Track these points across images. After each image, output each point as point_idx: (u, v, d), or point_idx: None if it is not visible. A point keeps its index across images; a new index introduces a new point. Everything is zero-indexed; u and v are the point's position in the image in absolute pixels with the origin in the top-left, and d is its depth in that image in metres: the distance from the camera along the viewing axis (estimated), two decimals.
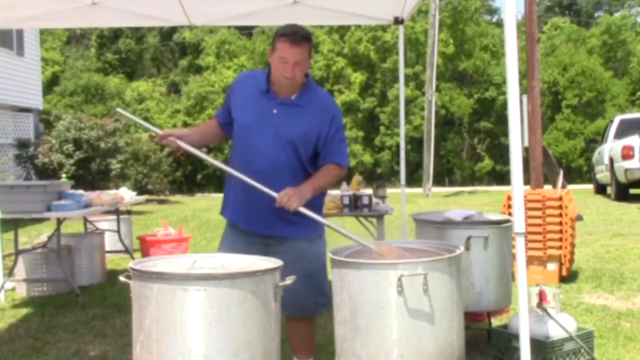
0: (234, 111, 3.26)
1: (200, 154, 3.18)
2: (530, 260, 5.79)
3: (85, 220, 7.39)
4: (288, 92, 3.19)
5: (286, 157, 3.15)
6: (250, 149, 3.16)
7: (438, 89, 25.58)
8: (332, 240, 3.59)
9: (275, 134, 3.14)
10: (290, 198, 3.03)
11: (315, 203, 3.24)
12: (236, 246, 3.09)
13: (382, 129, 29.60)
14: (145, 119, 29.20)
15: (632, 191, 13.59)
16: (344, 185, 5.72)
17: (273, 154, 3.13)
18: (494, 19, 37.16)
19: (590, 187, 17.73)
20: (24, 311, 5.58)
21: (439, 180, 24.79)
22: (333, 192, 5.68)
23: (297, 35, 3.11)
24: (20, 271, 6.14)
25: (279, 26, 3.25)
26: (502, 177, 27.96)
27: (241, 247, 3.06)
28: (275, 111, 3.17)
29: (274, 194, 3.05)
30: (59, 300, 5.91)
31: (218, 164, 3.20)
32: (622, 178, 13.10)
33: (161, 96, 31.96)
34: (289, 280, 2.60)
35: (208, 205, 16.41)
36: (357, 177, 5.82)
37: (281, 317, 2.65)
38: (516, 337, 3.30)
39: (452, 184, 27.57)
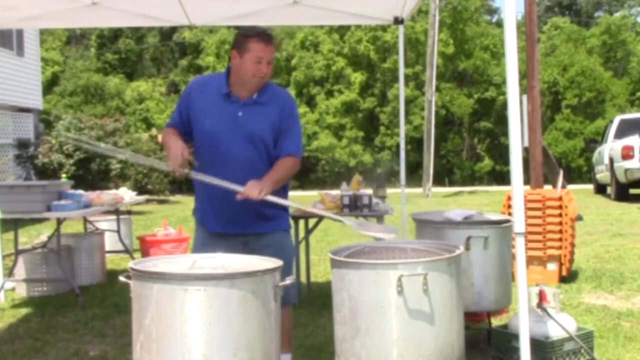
0: (196, 118, 3.29)
1: (208, 179, 3.21)
2: (530, 260, 5.78)
3: (85, 220, 7.38)
4: (249, 93, 3.28)
5: (259, 156, 3.26)
6: (222, 154, 3.22)
7: (438, 89, 25.58)
8: (333, 240, 3.61)
9: (244, 135, 3.21)
10: (255, 189, 3.10)
11: (281, 197, 3.34)
12: (215, 249, 3.06)
13: (382, 129, 29.60)
14: (145, 119, 29.24)
15: (632, 191, 13.60)
16: (344, 185, 5.72)
17: (246, 155, 3.22)
18: (494, 19, 37.15)
19: (590, 187, 17.73)
20: (24, 311, 5.58)
21: (439, 180, 24.78)
22: (333, 192, 5.68)
23: (267, 35, 3.25)
24: (20, 271, 6.14)
25: (279, 26, 3.30)
26: (502, 177, 27.96)
27: (220, 249, 3.04)
28: (240, 113, 3.25)
29: (239, 188, 3.11)
30: (59, 300, 5.91)
31: (202, 177, 3.22)
32: (622, 178, 13.10)
33: (161, 96, 31.96)
34: (289, 280, 2.60)
35: None
36: (357, 177, 5.82)
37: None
38: (516, 337, 3.30)
39: (452, 184, 27.56)
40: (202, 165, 3.30)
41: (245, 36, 3.24)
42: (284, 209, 3.43)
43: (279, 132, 3.30)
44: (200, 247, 3.36)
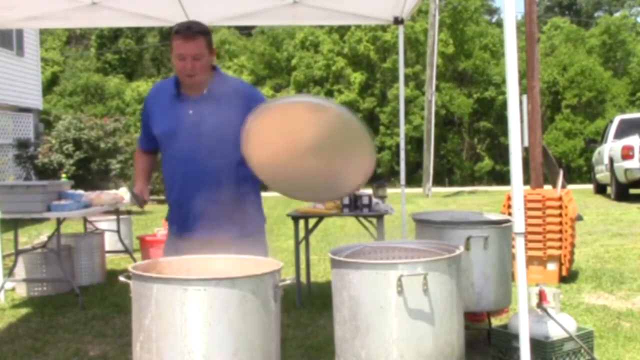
0: (153, 127, 3.18)
1: None
2: (530, 260, 5.79)
3: (85, 220, 7.38)
4: (198, 90, 3.09)
5: (214, 153, 3.05)
6: (175, 155, 3.11)
7: (438, 89, 25.58)
8: (333, 240, 3.60)
9: (196, 134, 3.05)
10: None
11: (256, 199, 3.24)
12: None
13: (382, 129, 29.61)
14: None
15: (632, 191, 13.59)
16: None
17: (198, 155, 3.05)
18: (494, 19, 37.18)
19: (590, 187, 17.73)
20: (24, 311, 5.58)
21: (438, 180, 24.79)
22: None
23: (190, 30, 3.03)
24: (20, 271, 6.14)
25: (279, 26, 3.25)
26: (502, 177, 27.95)
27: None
28: (190, 112, 3.08)
29: None
30: (59, 300, 5.91)
31: None
32: (622, 178, 13.10)
33: None
34: (289, 280, 2.60)
35: None
36: None
37: (281, 317, 2.65)
38: (516, 337, 3.30)
39: (452, 184, 27.57)
40: (164, 173, 3.23)
41: (172, 33, 3.07)
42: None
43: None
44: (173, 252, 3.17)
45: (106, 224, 7.65)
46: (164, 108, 3.15)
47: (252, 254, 2.84)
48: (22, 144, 14.61)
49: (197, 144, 3.05)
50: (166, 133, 3.13)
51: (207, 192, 3.04)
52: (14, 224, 6.03)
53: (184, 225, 3.17)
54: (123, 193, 7.10)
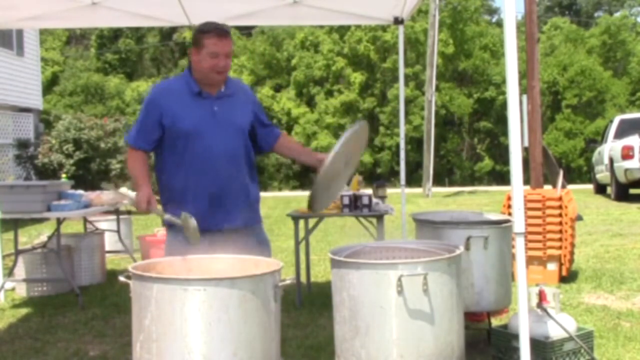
0: (171, 122, 3.20)
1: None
2: (530, 260, 5.79)
3: (85, 220, 7.38)
4: (217, 87, 3.28)
5: (239, 147, 3.28)
6: (202, 152, 3.18)
7: (438, 89, 25.58)
8: (333, 240, 3.61)
9: (225, 128, 3.22)
10: None
11: (256, 196, 3.42)
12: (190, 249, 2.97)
13: (381, 129, 29.61)
14: None
15: (632, 191, 13.60)
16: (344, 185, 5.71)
17: (228, 148, 3.22)
18: (494, 19, 37.17)
19: (590, 187, 17.73)
20: (23, 311, 5.58)
21: (438, 180, 24.78)
22: None
23: (222, 29, 3.23)
24: (20, 271, 6.14)
25: (279, 26, 3.30)
26: (502, 177, 27.95)
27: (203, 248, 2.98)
28: (216, 108, 3.24)
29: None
30: (59, 300, 5.91)
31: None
32: (622, 178, 13.10)
33: None
34: (289, 280, 2.60)
35: None
36: (357, 177, 5.81)
37: (281, 317, 2.65)
38: (516, 337, 3.30)
39: (452, 184, 27.55)
40: (176, 168, 3.23)
41: (200, 32, 3.23)
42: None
43: (259, 121, 3.38)
44: (178, 248, 3.16)
45: (106, 224, 7.66)
46: (186, 106, 3.22)
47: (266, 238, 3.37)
48: (22, 144, 14.62)
49: (225, 137, 3.22)
50: (190, 130, 3.19)
51: (241, 181, 3.28)
52: (14, 224, 6.04)
53: (223, 218, 3.23)
54: (124, 192, 7.10)
